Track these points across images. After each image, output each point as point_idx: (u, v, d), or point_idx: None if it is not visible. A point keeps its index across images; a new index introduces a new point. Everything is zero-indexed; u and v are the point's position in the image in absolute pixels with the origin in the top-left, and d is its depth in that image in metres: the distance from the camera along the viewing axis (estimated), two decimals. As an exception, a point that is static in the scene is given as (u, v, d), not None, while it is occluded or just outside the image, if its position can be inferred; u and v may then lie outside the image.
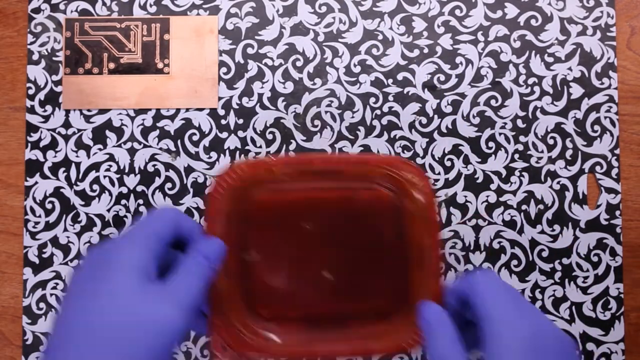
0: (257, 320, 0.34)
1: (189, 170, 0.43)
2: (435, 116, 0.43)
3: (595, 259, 0.42)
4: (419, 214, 0.33)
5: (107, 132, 0.43)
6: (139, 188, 0.43)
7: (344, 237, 0.35)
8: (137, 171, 0.43)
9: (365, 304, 0.35)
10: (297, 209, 0.35)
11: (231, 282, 0.34)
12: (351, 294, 0.35)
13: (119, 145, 0.43)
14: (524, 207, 0.43)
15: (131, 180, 0.43)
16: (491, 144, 0.43)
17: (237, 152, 0.43)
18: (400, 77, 0.43)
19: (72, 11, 0.44)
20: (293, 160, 0.34)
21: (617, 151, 0.43)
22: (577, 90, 0.43)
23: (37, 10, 0.44)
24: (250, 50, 0.43)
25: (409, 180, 0.33)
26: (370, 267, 0.35)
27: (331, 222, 0.35)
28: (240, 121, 0.43)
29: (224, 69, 0.43)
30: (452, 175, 0.43)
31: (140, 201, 0.43)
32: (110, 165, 0.43)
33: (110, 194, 0.43)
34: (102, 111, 0.43)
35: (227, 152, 0.43)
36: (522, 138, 0.43)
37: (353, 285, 0.35)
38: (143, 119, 0.43)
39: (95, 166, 0.43)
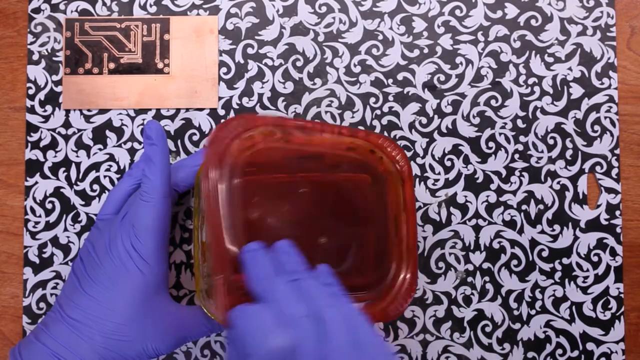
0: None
1: (189, 170, 0.43)
2: (435, 116, 0.43)
3: (595, 259, 0.42)
4: (395, 188, 0.37)
5: (107, 132, 0.43)
6: (139, 188, 0.43)
7: (331, 215, 0.38)
8: (137, 171, 0.43)
9: (347, 280, 0.38)
10: (282, 188, 0.38)
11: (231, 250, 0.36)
12: (337, 267, 0.38)
13: (119, 145, 0.43)
14: (524, 207, 0.43)
15: (131, 180, 0.43)
16: (491, 144, 0.43)
17: (237, 152, 0.43)
18: (400, 77, 0.43)
19: (72, 11, 0.44)
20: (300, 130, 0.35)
21: (617, 151, 0.43)
22: (577, 90, 0.43)
23: (37, 10, 0.44)
24: (250, 50, 0.43)
25: (390, 156, 0.36)
26: (353, 246, 0.38)
27: (319, 200, 0.38)
28: (241, 121, 0.43)
29: (224, 69, 0.43)
30: (452, 175, 0.43)
31: (141, 201, 0.43)
32: (111, 165, 0.43)
33: (111, 194, 0.43)
34: (102, 111, 0.43)
35: (227, 152, 0.43)
36: (522, 138, 0.43)
37: (335, 263, 0.38)
38: (143, 119, 0.43)
39: (96, 166, 0.43)
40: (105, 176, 0.43)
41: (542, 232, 0.42)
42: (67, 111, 0.43)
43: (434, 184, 0.43)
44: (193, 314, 0.37)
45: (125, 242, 0.34)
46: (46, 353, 0.33)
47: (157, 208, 0.35)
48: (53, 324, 0.34)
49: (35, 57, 0.43)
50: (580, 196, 0.43)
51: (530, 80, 0.43)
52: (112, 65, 0.43)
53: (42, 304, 0.42)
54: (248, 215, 0.38)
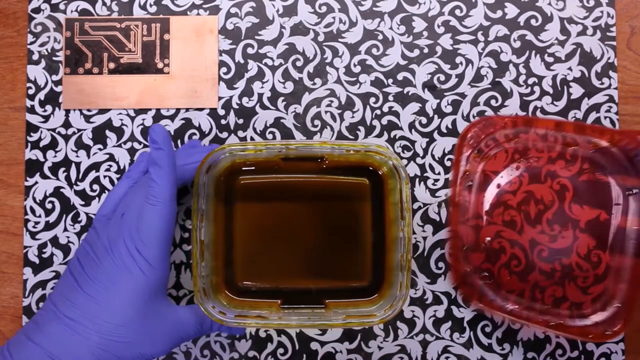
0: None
1: (189, 170, 0.43)
2: (435, 116, 0.43)
3: (595, 259, 0.42)
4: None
5: (107, 132, 0.43)
6: (139, 188, 0.43)
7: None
8: (137, 171, 0.43)
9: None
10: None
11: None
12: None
13: (119, 145, 0.43)
14: (523, 207, 0.43)
15: (131, 180, 0.43)
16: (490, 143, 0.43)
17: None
18: (400, 77, 0.43)
19: (72, 11, 0.44)
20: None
21: (617, 151, 0.43)
22: (577, 90, 0.43)
23: (37, 10, 0.44)
24: (250, 50, 0.43)
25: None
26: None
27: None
28: (240, 121, 0.43)
29: (224, 69, 0.43)
30: (452, 175, 0.43)
31: (140, 201, 0.43)
32: (110, 165, 0.43)
33: (110, 194, 0.43)
34: (102, 111, 0.43)
35: (227, 152, 0.43)
36: (522, 137, 0.43)
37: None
38: (143, 119, 0.43)
39: (95, 166, 0.43)
40: (105, 176, 0.43)
41: (542, 232, 0.42)
42: (67, 111, 0.43)
43: (434, 184, 0.43)
44: (190, 314, 0.37)
45: (128, 244, 0.34)
46: (39, 353, 0.33)
47: (164, 212, 0.34)
48: (47, 322, 0.34)
49: (35, 57, 0.43)
50: (580, 196, 0.42)
51: (530, 80, 0.43)
52: (112, 65, 0.43)
53: (41, 304, 0.42)
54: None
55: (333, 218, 0.39)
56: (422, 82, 0.43)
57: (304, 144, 0.38)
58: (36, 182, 0.43)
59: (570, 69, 0.43)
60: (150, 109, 0.43)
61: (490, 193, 0.42)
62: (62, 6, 0.44)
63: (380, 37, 0.43)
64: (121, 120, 0.43)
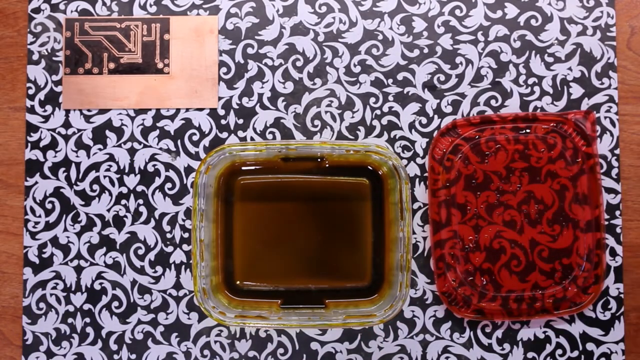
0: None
1: (189, 170, 0.43)
2: (435, 116, 0.43)
3: (595, 259, 0.42)
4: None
5: (107, 132, 0.43)
6: (139, 188, 0.43)
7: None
8: (137, 171, 0.43)
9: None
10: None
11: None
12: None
13: (119, 145, 0.43)
14: (524, 207, 0.43)
15: (131, 180, 0.43)
16: (491, 143, 0.43)
17: (237, 152, 0.43)
18: (400, 77, 0.43)
19: (72, 11, 0.44)
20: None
21: (617, 151, 0.43)
22: (577, 90, 0.43)
23: (37, 10, 0.44)
24: (250, 50, 0.43)
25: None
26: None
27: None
28: (240, 121, 0.43)
29: (224, 69, 0.43)
30: (452, 175, 0.43)
31: (140, 201, 0.43)
32: (110, 165, 0.43)
33: (110, 194, 0.43)
34: (102, 111, 0.43)
35: (227, 152, 0.43)
36: (522, 138, 0.43)
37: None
38: (143, 119, 0.43)
39: (95, 166, 0.43)
40: (105, 176, 0.43)
41: (542, 232, 0.42)
42: (67, 111, 0.43)
43: (434, 184, 0.43)
44: None
45: None
46: None
47: None
48: None
49: (35, 57, 0.43)
50: (580, 196, 0.42)
51: (530, 80, 0.43)
52: (112, 65, 0.43)
53: (41, 304, 0.42)
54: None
55: (333, 218, 0.39)
56: (422, 82, 0.43)
57: (304, 144, 0.38)
58: (36, 182, 0.43)
59: (570, 69, 0.43)
60: (150, 109, 0.43)
61: (491, 193, 0.42)
62: (62, 6, 0.44)
63: (380, 37, 0.43)
64: (121, 120, 0.43)
